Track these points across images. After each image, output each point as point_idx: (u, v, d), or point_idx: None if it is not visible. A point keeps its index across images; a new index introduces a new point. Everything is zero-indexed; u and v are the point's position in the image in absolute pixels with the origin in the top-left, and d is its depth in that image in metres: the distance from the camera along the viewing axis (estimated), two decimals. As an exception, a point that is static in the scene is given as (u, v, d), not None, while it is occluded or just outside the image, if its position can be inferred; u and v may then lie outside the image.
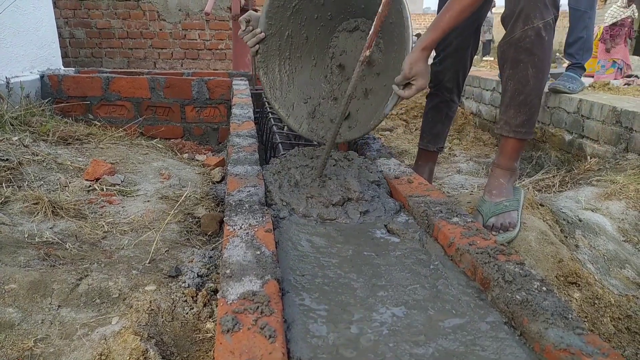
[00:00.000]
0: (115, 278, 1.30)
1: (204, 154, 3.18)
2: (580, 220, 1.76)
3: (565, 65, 3.50)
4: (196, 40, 5.88)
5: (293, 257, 0.95)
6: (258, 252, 0.88)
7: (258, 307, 0.71)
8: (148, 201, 1.93)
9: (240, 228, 0.99)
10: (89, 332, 1.09)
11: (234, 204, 1.11)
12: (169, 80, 3.31)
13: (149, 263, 1.42)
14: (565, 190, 2.25)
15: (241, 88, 2.96)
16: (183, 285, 1.31)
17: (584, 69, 3.21)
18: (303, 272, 0.89)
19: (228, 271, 0.82)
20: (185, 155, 3.04)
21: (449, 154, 3.73)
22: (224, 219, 1.04)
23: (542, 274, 1.22)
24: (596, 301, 1.15)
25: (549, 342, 0.67)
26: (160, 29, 5.86)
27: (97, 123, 3.02)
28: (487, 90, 4.00)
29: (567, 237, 1.57)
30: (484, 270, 0.85)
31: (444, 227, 1.01)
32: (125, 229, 1.65)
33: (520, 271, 0.83)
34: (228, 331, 0.66)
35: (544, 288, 0.79)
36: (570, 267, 1.22)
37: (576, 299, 1.16)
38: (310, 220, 1.12)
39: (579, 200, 2.03)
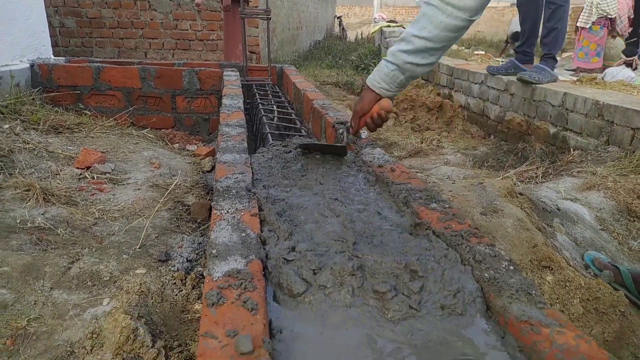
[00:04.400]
0: (106, 262, 1.33)
1: (195, 144, 3.21)
2: (558, 209, 1.82)
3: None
4: (187, 30, 5.87)
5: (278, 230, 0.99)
6: (243, 234, 0.92)
7: (242, 283, 0.76)
8: (138, 189, 1.96)
9: (227, 212, 1.03)
10: (81, 313, 1.13)
11: (221, 189, 1.15)
12: (159, 70, 3.32)
13: (139, 248, 1.46)
14: (547, 181, 2.31)
15: (232, 79, 2.98)
16: (172, 269, 1.35)
17: (556, 60, 3.36)
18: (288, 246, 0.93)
19: (214, 251, 0.86)
20: (176, 146, 3.07)
21: (437, 146, 3.78)
22: (212, 204, 1.08)
23: (513, 257, 1.27)
24: (567, 284, 1.21)
25: (512, 315, 0.72)
26: (152, 19, 5.83)
27: (88, 112, 3.03)
28: (475, 83, 4.05)
29: (545, 226, 1.63)
30: (457, 251, 0.89)
31: (422, 212, 1.06)
32: (115, 216, 1.68)
33: (490, 252, 0.88)
34: (213, 304, 0.71)
35: (512, 267, 0.84)
36: (544, 251, 1.28)
37: (549, 282, 1.22)
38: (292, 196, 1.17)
39: (559, 190, 2.09)
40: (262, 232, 0.97)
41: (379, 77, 1.35)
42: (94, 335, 1.05)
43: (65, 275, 1.27)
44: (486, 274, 0.82)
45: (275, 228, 0.98)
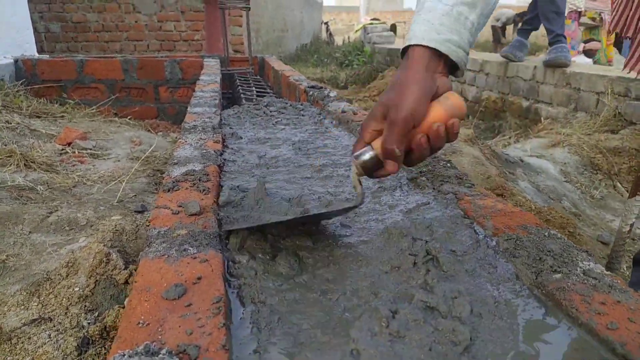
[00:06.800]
0: (83, 212, 1.39)
1: (178, 132, 3.27)
2: (522, 161, 1.90)
3: None
4: (172, 31, 5.95)
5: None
6: (204, 151, 0.99)
7: (197, 177, 0.82)
8: (118, 161, 2.02)
9: (192, 140, 1.09)
10: (58, 249, 1.19)
11: (188, 127, 1.22)
12: (142, 61, 3.39)
13: (116, 202, 1.52)
14: (517, 143, 2.40)
15: (211, 64, 3.06)
16: (148, 216, 1.40)
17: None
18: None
19: (175, 161, 0.92)
20: (160, 134, 3.13)
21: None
22: (178, 137, 1.14)
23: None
24: (519, 207, 1.29)
25: (442, 191, 0.79)
26: (136, 21, 5.91)
27: (71, 101, 3.08)
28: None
29: (507, 172, 1.71)
30: (401, 157, 0.97)
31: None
32: (95, 180, 1.74)
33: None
34: (169, 190, 0.77)
35: (449, 165, 0.91)
36: (497, 181, 1.36)
37: (501, 207, 1.30)
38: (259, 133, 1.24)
39: (526, 149, 2.18)
40: (223, 153, 1.03)
41: (434, 24, 0.67)
42: (70, 264, 1.10)
43: (43, 222, 1.32)
44: (424, 169, 0.89)
45: (237, 150, 1.05)
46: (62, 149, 2.07)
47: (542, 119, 2.93)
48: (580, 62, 4.47)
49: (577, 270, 0.54)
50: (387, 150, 0.64)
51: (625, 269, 1.72)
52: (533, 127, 3.04)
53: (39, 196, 1.51)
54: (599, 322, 0.46)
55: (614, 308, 0.48)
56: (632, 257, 1.78)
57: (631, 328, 0.45)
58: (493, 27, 12.19)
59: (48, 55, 3.78)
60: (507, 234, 0.62)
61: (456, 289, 0.55)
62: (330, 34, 18.58)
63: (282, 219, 0.65)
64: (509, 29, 11.73)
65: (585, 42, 5.84)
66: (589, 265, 0.55)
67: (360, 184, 0.68)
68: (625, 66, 1.13)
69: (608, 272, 0.53)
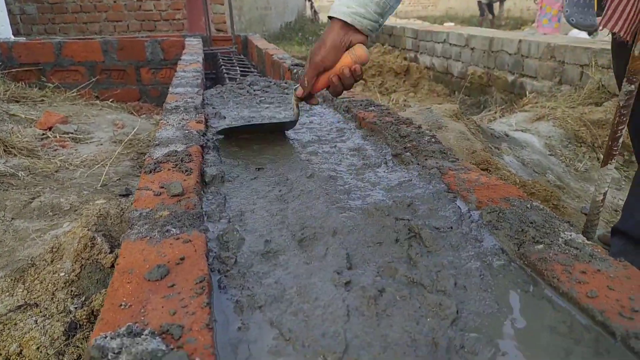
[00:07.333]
0: (66, 196, 1.37)
1: (162, 114, 3.23)
2: (507, 135, 1.91)
3: None
4: (152, 11, 5.81)
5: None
6: (187, 132, 0.98)
7: (180, 158, 0.81)
8: (101, 145, 1.99)
9: (174, 120, 1.08)
10: (42, 235, 1.17)
11: (170, 108, 1.20)
12: (122, 42, 3.31)
13: (100, 186, 1.50)
14: (502, 118, 2.41)
15: (193, 44, 3.00)
16: (132, 199, 1.39)
17: None
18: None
19: (157, 142, 0.91)
20: (143, 116, 3.08)
21: (404, 105, 3.86)
22: (160, 118, 1.12)
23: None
24: (503, 181, 1.30)
25: (427, 166, 0.79)
26: (115, 1, 5.75)
27: (51, 85, 3.01)
28: (438, 42, 4.13)
29: (492, 147, 1.72)
30: (387, 133, 0.96)
31: (360, 113, 1.13)
32: (78, 164, 1.71)
33: (415, 130, 0.95)
34: (150, 172, 0.76)
35: (433, 140, 0.91)
36: (482, 156, 1.36)
37: (487, 181, 1.31)
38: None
39: (511, 124, 2.19)
40: (206, 133, 1.02)
41: (348, 1, 0.87)
42: (54, 250, 1.09)
43: (26, 208, 1.30)
44: (409, 144, 0.89)
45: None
46: (43, 134, 2.03)
47: (527, 93, 2.94)
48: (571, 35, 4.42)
49: (558, 240, 0.55)
50: (300, 81, 0.92)
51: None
52: (518, 102, 3.05)
53: (20, 182, 1.48)
54: (580, 291, 0.47)
55: (594, 277, 0.48)
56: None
57: (610, 296, 0.46)
58: (479, 3, 12.14)
59: (24, 38, 3.67)
60: (490, 207, 0.62)
61: (439, 262, 0.56)
62: (315, 11, 18.28)
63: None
64: (496, 6, 11.70)
65: None
66: (570, 235, 0.56)
67: (296, 109, 0.97)
68: (599, 24, 1.12)
69: (589, 242, 0.54)
